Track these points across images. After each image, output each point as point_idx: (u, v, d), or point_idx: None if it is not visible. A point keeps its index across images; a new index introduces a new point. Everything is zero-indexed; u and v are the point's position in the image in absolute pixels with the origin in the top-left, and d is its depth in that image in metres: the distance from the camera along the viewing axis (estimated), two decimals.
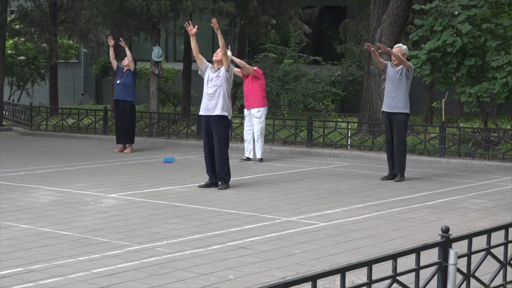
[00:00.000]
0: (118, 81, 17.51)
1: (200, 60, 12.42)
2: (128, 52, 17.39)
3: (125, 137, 17.57)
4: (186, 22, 12.80)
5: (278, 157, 16.90)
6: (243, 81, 15.90)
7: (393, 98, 13.28)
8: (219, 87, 12.22)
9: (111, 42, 17.71)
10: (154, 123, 20.76)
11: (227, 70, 12.27)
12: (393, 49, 13.59)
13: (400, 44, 13.87)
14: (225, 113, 12.21)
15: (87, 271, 7.16)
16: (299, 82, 22.23)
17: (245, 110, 15.95)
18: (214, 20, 12.46)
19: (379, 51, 13.98)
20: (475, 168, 15.36)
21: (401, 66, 13.27)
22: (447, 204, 11.12)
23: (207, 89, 12.30)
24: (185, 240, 8.55)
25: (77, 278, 6.95)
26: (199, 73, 12.63)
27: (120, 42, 17.63)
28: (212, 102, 12.21)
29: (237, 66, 15.26)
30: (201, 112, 12.41)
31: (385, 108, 13.51)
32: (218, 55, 12.44)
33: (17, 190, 11.89)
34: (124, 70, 17.46)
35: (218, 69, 12.32)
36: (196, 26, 12.49)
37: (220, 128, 12.20)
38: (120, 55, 18.55)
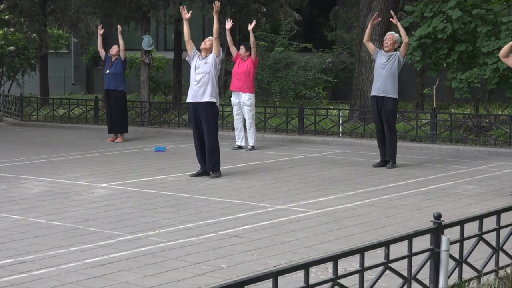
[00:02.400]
0: (107, 71, 17.41)
1: (191, 46, 12.39)
2: (121, 41, 17.28)
3: (118, 126, 17.52)
4: (181, 6, 12.72)
5: (270, 145, 16.89)
6: (234, 63, 15.89)
7: (382, 83, 13.26)
8: (207, 73, 12.17)
9: (100, 31, 17.65)
10: (145, 113, 20.72)
11: (217, 56, 12.23)
12: (386, 36, 13.58)
13: (392, 32, 13.85)
14: (214, 100, 12.18)
15: (79, 261, 7.14)
16: (290, 70, 22.20)
17: (233, 98, 15.88)
18: (217, 3, 12.49)
19: (390, 18, 13.88)
20: (466, 154, 15.38)
21: (395, 52, 13.26)
22: (439, 190, 11.13)
23: (195, 75, 12.25)
24: (177, 229, 8.54)
25: (69, 268, 6.93)
26: (186, 59, 12.59)
27: (118, 27, 17.65)
28: (201, 89, 12.16)
29: (227, 48, 15.21)
30: (189, 99, 12.35)
31: (374, 92, 13.48)
32: (206, 43, 12.40)
33: (8, 181, 11.85)
34: (113, 59, 17.37)
35: (206, 56, 12.28)
36: (191, 12, 12.46)
37: (209, 116, 12.16)
38: (109, 45, 18.48)
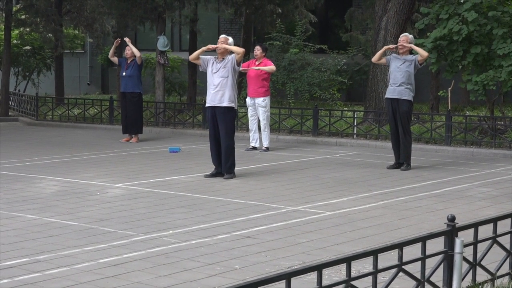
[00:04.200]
0: (124, 73, 17.42)
1: (199, 60, 12.31)
2: (134, 49, 17.23)
3: (133, 127, 17.56)
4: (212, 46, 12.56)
5: (284, 146, 16.89)
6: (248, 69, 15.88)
7: (397, 85, 13.23)
8: (225, 78, 12.14)
9: (117, 43, 17.67)
10: (160, 113, 20.76)
11: (237, 64, 12.21)
12: (400, 38, 13.56)
13: (407, 34, 13.82)
14: (232, 104, 12.16)
15: (93, 261, 7.16)
16: (304, 71, 22.18)
17: (248, 100, 15.92)
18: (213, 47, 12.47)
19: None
20: (481, 156, 15.33)
21: (412, 55, 13.23)
22: (453, 192, 11.10)
23: (213, 80, 12.23)
24: (191, 229, 8.55)
25: (83, 268, 6.95)
26: (200, 69, 12.57)
27: (125, 39, 17.58)
28: (219, 93, 12.14)
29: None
30: (208, 104, 12.33)
31: (388, 94, 13.46)
32: (220, 49, 12.30)
33: (23, 181, 11.90)
34: (129, 61, 17.39)
35: (223, 59, 12.24)
36: (213, 47, 12.36)
37: (227, 118, 12.15)
38: (122, 46, 18.48)
